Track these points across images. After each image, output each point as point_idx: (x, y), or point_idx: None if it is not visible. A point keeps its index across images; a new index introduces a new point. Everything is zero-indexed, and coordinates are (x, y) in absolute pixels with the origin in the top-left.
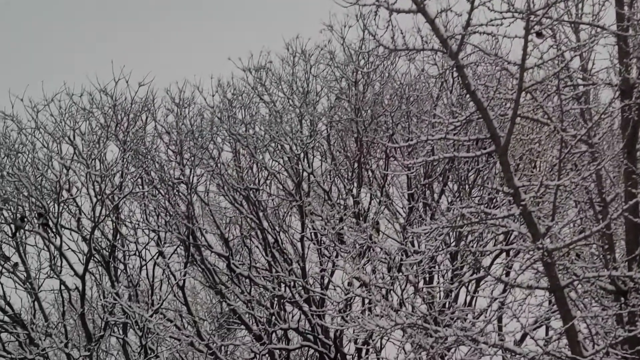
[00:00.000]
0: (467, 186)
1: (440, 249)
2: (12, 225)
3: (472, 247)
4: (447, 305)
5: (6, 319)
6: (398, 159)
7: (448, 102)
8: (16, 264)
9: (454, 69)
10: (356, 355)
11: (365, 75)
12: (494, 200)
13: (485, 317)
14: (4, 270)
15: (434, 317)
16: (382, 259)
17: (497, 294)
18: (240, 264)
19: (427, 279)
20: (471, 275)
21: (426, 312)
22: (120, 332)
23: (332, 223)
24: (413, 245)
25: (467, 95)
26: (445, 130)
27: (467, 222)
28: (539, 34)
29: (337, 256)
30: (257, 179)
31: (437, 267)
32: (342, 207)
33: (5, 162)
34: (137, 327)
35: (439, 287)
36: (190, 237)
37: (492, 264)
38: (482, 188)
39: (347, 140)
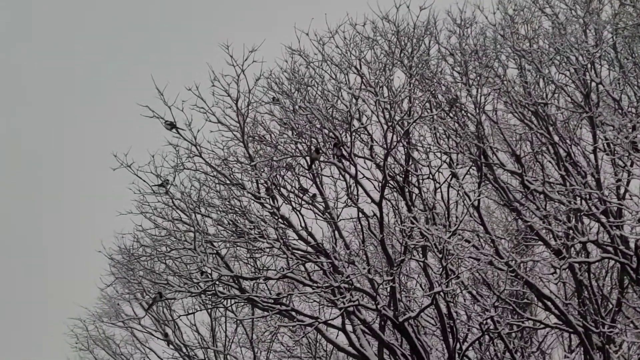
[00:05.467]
0: None
1: None
2: (308, 158)
3: None
4: None
5: (309, 249)
6: None
7: None
8: (314, 195)
9: None
10: None
11: None
12: None
13: None
14: (303, 202)
15: None
16: None
17: None
18: (533, 180)
19: None
20: None
21: None
22: (420, 255)
23: (625, 132)
24: None
25: None
26: None
27: None
28: None
29: (632, 165)
30: (544, 94)
31: None
32: (634, 115)
33: (296, 96)
34: (436, 249)
35: None
36: (482, 156)
37: None
38: None
39: (634, 46)
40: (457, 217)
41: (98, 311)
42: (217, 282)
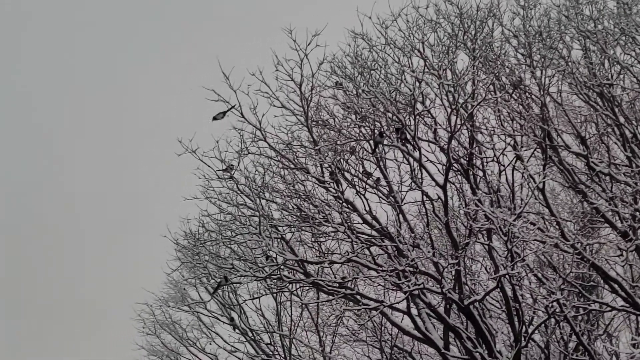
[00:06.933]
0: None
1: None
2: (372, 142)
3: None
4: None
5: (374, 232)
6: None
7: None
8: (378, 179)
9: None
10: None
11: None
12: None
13: None
14: (367, 186)
15: None
16: None
17: None
18: (599, 162)
19: None
20: None
21: None
22: (485, 238)
23: None
24: None
25: None
26: None
27: None
28: None
29: None
30: (609, 74)
31: None
32: None
33: (359, 80)
34: (501, 232)
35: None
36: (547, 138)
37: None
38: None
39: None
40: (522, 200)
41: (164, 296)
42: (282, 267)
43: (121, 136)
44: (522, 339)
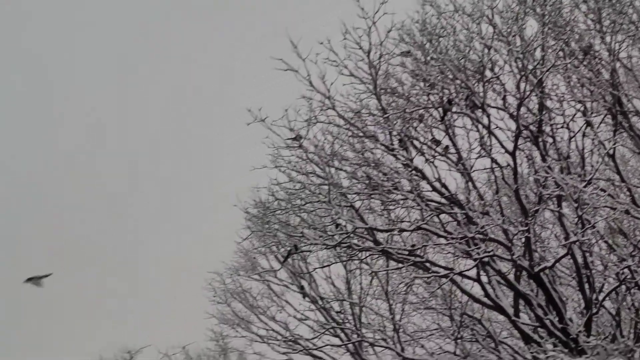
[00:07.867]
0: None
1: None
2: (440, 109)
3: None
4: None
5: (443, 200)
6: None
7: None
8: (447, 147)
9: None
10: None
11: None
12: None
13: None
14: (436, 154)
15: None
16: None
17: None
18: None
19: None
20: None
21: None
22: (555, 205)
23: None
24: None
25: None
26: None
27: None
28: None
29: None
30: None
31: None
32: None
33: (428, 47)
34: (572, 198)
35: None
36: (617, 104)
37: None
38: None
39: None
40: (592, 166)
41: (235, 264)
42: (351, 235)
43: (189, 108)
44: (593, 306)
